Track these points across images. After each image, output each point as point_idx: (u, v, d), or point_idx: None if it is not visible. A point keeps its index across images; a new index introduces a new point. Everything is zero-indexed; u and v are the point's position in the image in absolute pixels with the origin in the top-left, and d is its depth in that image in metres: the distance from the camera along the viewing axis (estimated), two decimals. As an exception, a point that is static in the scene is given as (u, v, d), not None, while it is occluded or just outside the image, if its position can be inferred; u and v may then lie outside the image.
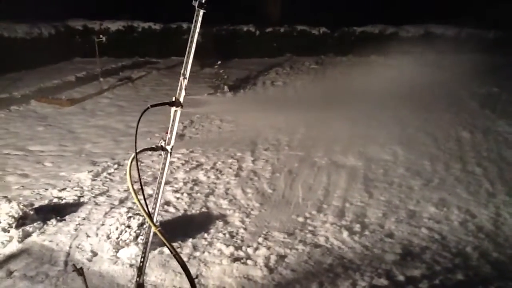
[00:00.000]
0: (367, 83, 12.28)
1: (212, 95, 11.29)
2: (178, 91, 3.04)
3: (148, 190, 6.34)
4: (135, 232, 4.60)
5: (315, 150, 8.03)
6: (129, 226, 4.67)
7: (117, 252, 4.64)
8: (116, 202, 5.99)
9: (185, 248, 4.82)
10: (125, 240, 4.56)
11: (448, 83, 11.97)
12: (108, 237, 4.64)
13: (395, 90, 11.18)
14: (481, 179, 6.98)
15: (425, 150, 8.07)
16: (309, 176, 6.98)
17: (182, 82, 2.98)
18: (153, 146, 3.09)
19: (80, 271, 3.06)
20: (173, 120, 3.06)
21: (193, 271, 4.42)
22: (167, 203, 5.94)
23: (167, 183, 6.60)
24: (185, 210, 5.80)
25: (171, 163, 6.99)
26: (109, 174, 6.98)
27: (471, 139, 8.67)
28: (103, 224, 5.29)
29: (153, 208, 3.15)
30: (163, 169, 3.12)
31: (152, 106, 2.87)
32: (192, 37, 2.94)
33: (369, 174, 7.06)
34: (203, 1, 2.86)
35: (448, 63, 12.68)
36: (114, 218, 4.95)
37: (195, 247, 4.86)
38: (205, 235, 5.17)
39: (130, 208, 5.77)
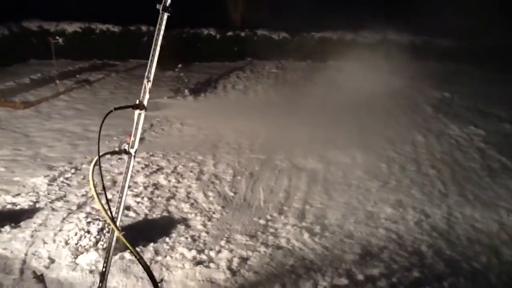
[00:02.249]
0: (326, 88, 12.52)
1: (173, 99, 11.21)
2: (142, 94, 3.02)
3: (107, 195, 6.21)
4: (95, 237, 4.52)
5: (276, 153, 8.10)
6: (88, 232, 4.57)
7: (76, 258, 4.53)
8: (74, 207, 5.85)
9: (147, 253, 4.77)
10: (85, 246, 4.46)
11: (404, 88, 12.36)
12: (67, 243, 4.53)
13: (354, 95, 11.45)
14: (434, 180, 7.26)
15: (382, 153, 8.30)
16: (270, 179, 7.05)
17: (146, 85, 2.96)
18: (116, 149, 3.04)
19: (40, 278, 2.98)
20: (137, 123, 3.03)
21: (156, 275, 4.36)
22: (128, 207, 5.87)
23: (132, 187, 6.51)
24: (146, 215, 5.73)
25: None
26: (66, 178, 6.81)
27: (426, 142, 9.00)
28: (60, 230, 5.16)
29: (116, 213, 3.11)
30: (126, 173, 3.08)
31: (115, 109, 2.84)
32: (156, 40, 2.94)
33: (328, 177, 7.20)
34: (167, 5, 2.86)
35: (404, 69, 13.10)
36: (73, 223, 4.83)
37: (157, 252, 4.82)
38: (167, 239, 5.13)
39: (89, 213, 5.65)
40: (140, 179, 6.83)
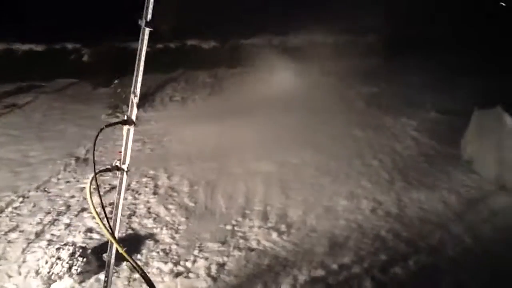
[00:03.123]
0: (263, 93, 12.83)
1: (111, 116, 10.96)
2: (129, 109, 3.05)
3: (64, 220, 6.06)
4: (67, 263, 4.40)
5: (227, 160, 8.23)
6: (59, 258, 4.44)
7: (48, 287, 4.39)
8: (32, 236, 5.63)
9: (122, 272, 4.73)
10: (58, 273, 4.34)
11: (335, 86, 12.96)
12: (37, 273, 4.37)
13: (290, 97, 11.86)
14: (379, 170, 7.74)
15: (328, 150, 8.69)
16: (227, 186, 7.16)
17: (133, 100, 3.00)
18: (108, 166, 3.05)
19: None
20: (127, 139, 3.06)
21: None
22: (89, 229, 5.74)
23: (83, 210, 6.36)
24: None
25: (81, 189, 6.76)
26: (15, 208, 6.50)
27: (365, 136, 9.53)
28: (24, 261, 4.95)
29: (111, 229, 3.11)
30: (120, 189, 3.09)
31: (106, 126, 2.87)
32: (140, 55, 2.99)
33: (283, 178, 7.45)
34: (148, 20, 2.91)
35: (333, 69, 13.74)
36: (40, 252, 4.66)
37: (131, 270, 4.77)
38: (138, 256, 5.11)
39: (50, 240, 5.47)
40: (95, 200, 6.64)
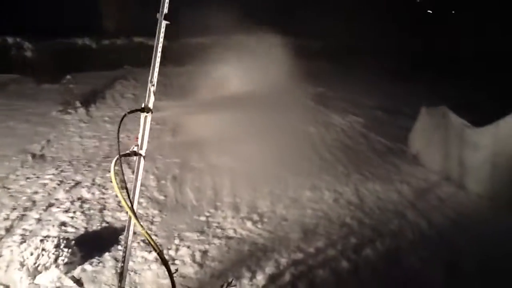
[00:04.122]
0: (214, 91, 13.04)
1: (63, 112, 10.70)
2: (147, 98, 3.20)
3: (33, 215, 5.97)
4: (53, 253, 4.42)
5: (189, 155, 8.38)
6: (44, 249, 4.45)
7: (34, 279, 4.38)
8: (3, 232, 5.50)
9: (107, 262, 4.79)
10: (45, 264, 4.35)
11: (286, 86, 13.40)
12: (22, 265, 4.35)
13: (243, 96, 12.18)
14: (335, 164, 8.26)
15: (285, 145, 9.05)
16: (194, 180, 7.33)
17: (151, 89, 3.16)
18: (128, 151, 3.18)
19: (80, 282, 3.06)
20: (144, 126, 3.20)
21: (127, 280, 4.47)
22: (63, 223, 5.70)
23: (51, 205, 6.28)
24: (85, 228, 5.64)
25: (44, 185, 6.68)
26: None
27: (317, 132, 10.05)
28: (0, 256, 4.87)
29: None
30: (137, 173, 3.24)
31: (129, 113, 3.02)
32: (157, 46, 3.15)
33: (247, 172, 7.71)
34: (166, 13, 3.08)
35: (282, 69, 14.22)
36: (25, 244, 4.63)
37: (116, 259, 4.85)
38: (119, 247, 5.17)
39: (22, 234, 5.39)
40: (61, 195, 6.61)
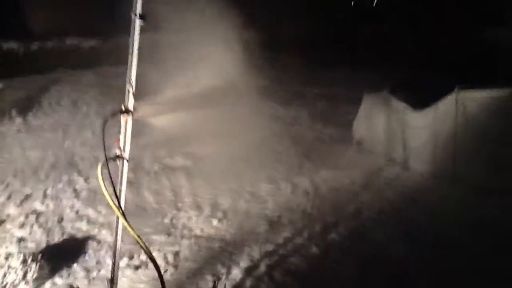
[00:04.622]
0: (162, 89, 12.84)
1: (-2, 123, 10.14)
2: (126, 99, 3.17)
3: None
4: (21, 270, 4.28)
5: (142, 158, 8.28)
6: (9, 266, 4.31)
7: (2, 299, 4.23)
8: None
9: (77, 273, 4.70)
10: (13, 282, 4.21)
11: (227, 80, 13.45)
12: (-12, 286, 4.19)
13: (183, 94, 12.10)
14: (287, 155, 8.51)
15: (235, 140, 9.15)
16: (150, 182, 7.30)
17: (130, 89, 3.14)
18: (112, 156, 3.16)
19: (112, 281, 3.05)
20: (125, 128, 3.19)
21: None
22: (21, 239, 5.48)
23: (2, 221, 6.02)
24: (47, 241, 5.47)
25: None
26: None
27: (264, 125, 10.20)
28: (-40, 279, 4.63)
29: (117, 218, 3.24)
30: (121, 177, 3.23)
31: (111, 116, 3.00)
32: (133, 46, 3.13)
33: (202, 170, 7.78)
34: (140, 13, 3.07)
35: (225, 63, 14.27)
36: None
37: (86, 269, 4.78)
38: (87, 257, 5.09)
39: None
40: (12, 210, 6.34)
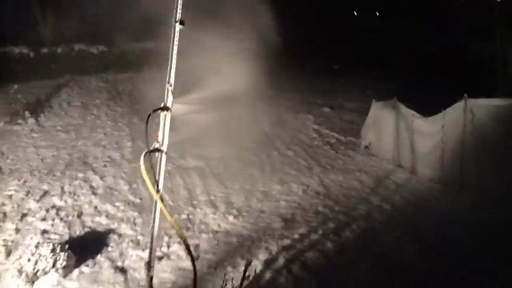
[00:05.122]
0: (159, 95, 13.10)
1: (11, 123, 10.34)
2: (165, 98, 3.40)
3: (8, 225, 5.88)
4: (51, 258, 4.46)
5: (155, 158, 8.44)
6: (40, 254, 4.48)
7: (32, 285, 4.40)
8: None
9: (103, 263, 4.87)
10: (44, 269, 4.38)
11: (235, 88, 13.72)
12: (20, 272, 4.36)
13: (188, 100, 12.34)
14: (297, 159, 8.73)
15: (244, 145, 9.36)
16: (165, 181, 7.38)
17: (169, 89, 3.36)
18: (152, 149, 3.37)
19: (149, 265, 3.23)
20: (164, 124, 3.40)
21: (124, 278, 4.63)
22: (45, 231, 5.66)
23: (24, 215, 6.19)
24: (69, 234, 5.65)
25: (9, 196, 6.57)
26: None
27: (273, 131, 10.47)
28: (-12, 266, 4.81)
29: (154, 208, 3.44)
30: (160, 168, 3.43)
31: (154, 111, 3.21)
32: (172, 49, 3.36)
33: (214, 171, 7.98)
34: (179, 18, 3.31)
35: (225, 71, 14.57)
36: (20, 250, 4.61)
37: (111, 259, 4.95)
38: (109, 248, 5.25)
39: (4, 245, 5.33)
40: (32, 205, 6.52)
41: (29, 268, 4.36)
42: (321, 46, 17.81)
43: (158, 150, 3.37)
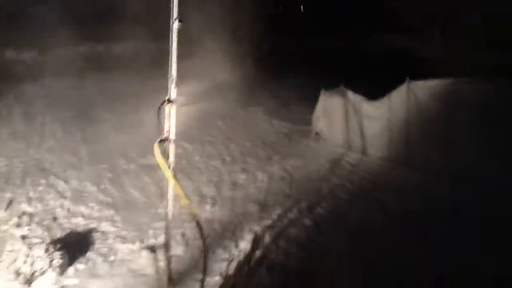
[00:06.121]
0: (111, 99, 13.08)
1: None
2: (169, 91, 3.65)
3: None
4: (47, 258, 4.55)
5: (115, 160, 8.54)
6: (34, 256, 4.56)
7: (29, 286, 4.47)
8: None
9: (95, 259, 4.99)
10: (41, 269, 4.47)
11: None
12: (18, 274, 4.42)
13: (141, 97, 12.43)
14: (255, 149, 9.17)
15: (199, 139, 9.70)
16: (131, 180, 7.60)
17: (171, 84, 3.62)
18: (162, 138, 3.61)
19: (152, 249, 3.42)
20: (170, 115, 3.65)
21: (123, 270, 4.81)
22: (24, 237, 5.63)
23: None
24: (50, 237, 5.66)
25: None
26: None
27: (226, 124, 10.83)
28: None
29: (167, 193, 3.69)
30: (169, 154, 3.68)
31: (161, 104, 3.47)
32: (171, 45, 3.61)
33: (178, 166, 8.11)
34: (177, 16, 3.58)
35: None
36: (14, 253, 4.64)
37: (102, 254, 5.09)
38: (96, 245, 5.37)
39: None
40: (1, 214, 6.42)
41: (26, 270, 4.42)
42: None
43: (167, 139, 3.62)
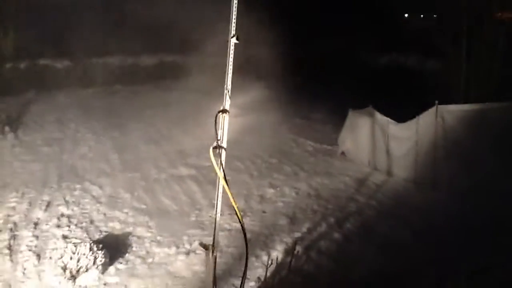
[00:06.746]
0: (132, 108, 13.48)
1: (-10, 138, 10.29)
2: (224, 102, 3.91)
3: (24, 233, 6.07)
4: (91, 256, 4.79)
5: (146, 169, 8.82)
6: (80, 253, 4.80)
7: (73, 281, 4.71)
8: (6, 250, 5.58)
9: (135, 260, 5.23)
10: (86, 266, 4.71)
11: (196, 100, 14.11)
12: (64, 269, 4.66)
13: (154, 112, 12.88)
14: (281, 165, 9.34)
15: (230, 153, 9.91)
16: (164, 189, 7.85)
17: (227, 94, 3.88)
18: (215, 145, 3.86)
19: (206, 246, 3.63)
20: (223, 124, 3.91)
21: (160, 271, 5.03)
22: (65, 236, 5.91)
23: (36, 223, 6.38)
24: (89, 238, 5.92)
25: (13, 208, 6.74)
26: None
27: (253, 140, 11.03)
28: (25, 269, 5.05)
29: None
30: (220, 161, 3.93)
31: (218, 112, 3.73)
32: (228, 62, 3.88)
33: (208, 178, 8.42)
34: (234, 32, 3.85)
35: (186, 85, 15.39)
36: (56, 251, 4.90)
37: (141, 257, 5.32)
38: (134, 248, 5.61)
39: (30, 250, 5.55)
40: (41, 214, 6.69)
41: (72, 265, 4.67)
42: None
43: (220, 147, 3.87)
